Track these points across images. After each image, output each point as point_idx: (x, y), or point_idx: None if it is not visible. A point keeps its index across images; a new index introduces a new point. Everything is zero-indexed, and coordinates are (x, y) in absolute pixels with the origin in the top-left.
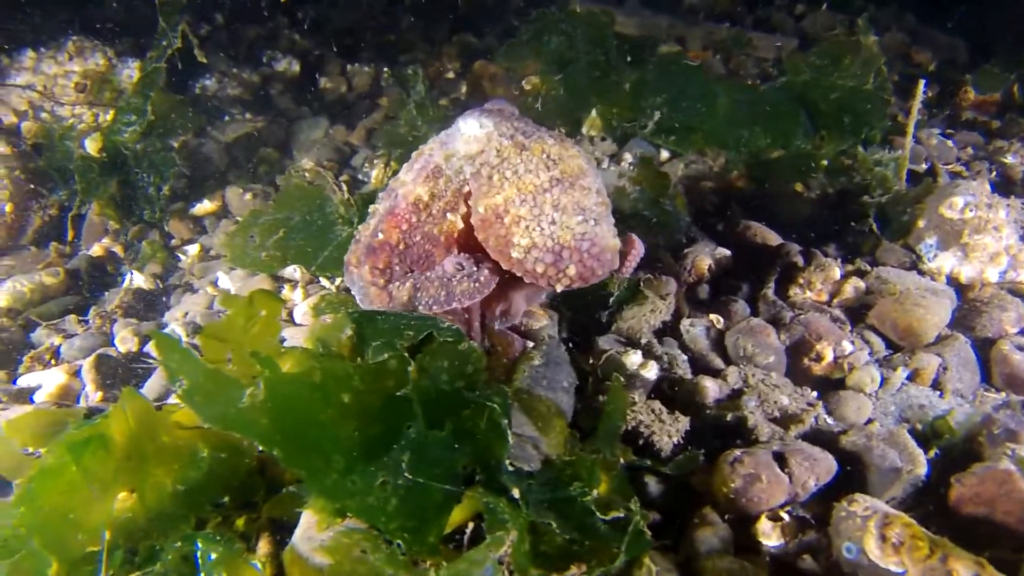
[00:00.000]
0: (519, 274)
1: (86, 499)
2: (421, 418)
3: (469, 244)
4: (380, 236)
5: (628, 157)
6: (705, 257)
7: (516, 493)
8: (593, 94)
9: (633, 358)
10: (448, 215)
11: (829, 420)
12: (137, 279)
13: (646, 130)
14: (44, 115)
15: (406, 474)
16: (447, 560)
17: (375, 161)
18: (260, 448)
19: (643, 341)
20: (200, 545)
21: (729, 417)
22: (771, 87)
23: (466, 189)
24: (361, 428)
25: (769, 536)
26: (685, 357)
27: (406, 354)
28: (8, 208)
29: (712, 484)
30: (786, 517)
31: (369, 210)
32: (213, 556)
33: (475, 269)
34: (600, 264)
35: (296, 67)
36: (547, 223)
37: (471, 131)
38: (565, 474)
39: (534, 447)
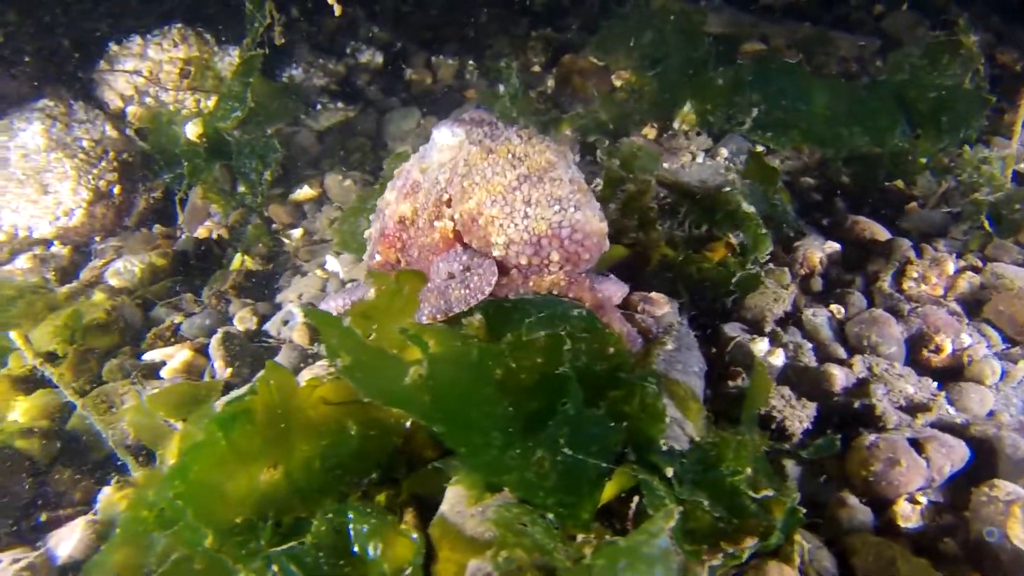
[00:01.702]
0: (512, 268)
1: (235, 472)
2: (579, 396)
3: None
4: (378, 258)
5: (724, 152)
6: (816, 250)
7: (670, 472)
8: (688, 90)
9: (761, 345)
10: (435, 223)
11: (951, 410)
12: (246, 261)
13: (743, 126)
14: (148, 100)
15: (565, 450)
16: (599, 535)
17: None
18: (408, 424)
19: (767, 329)
20: (353, 517)
21: (856, 404)
22: (869, 85)
23: (445, 197)
24: (516, 405)
25: (909, 518)
26: (811, 346)
27: (562, 333)
28: (116, 190)
29: (849, 468)
30: (924, 501)
31: (365, 234)
32: (366, 528)
33: (467, 275)
34: (584, 248)
35: (379, 58)
36: (520, 218)
37: (444, 140)
38: (711, 455)
39: (679, 428)
